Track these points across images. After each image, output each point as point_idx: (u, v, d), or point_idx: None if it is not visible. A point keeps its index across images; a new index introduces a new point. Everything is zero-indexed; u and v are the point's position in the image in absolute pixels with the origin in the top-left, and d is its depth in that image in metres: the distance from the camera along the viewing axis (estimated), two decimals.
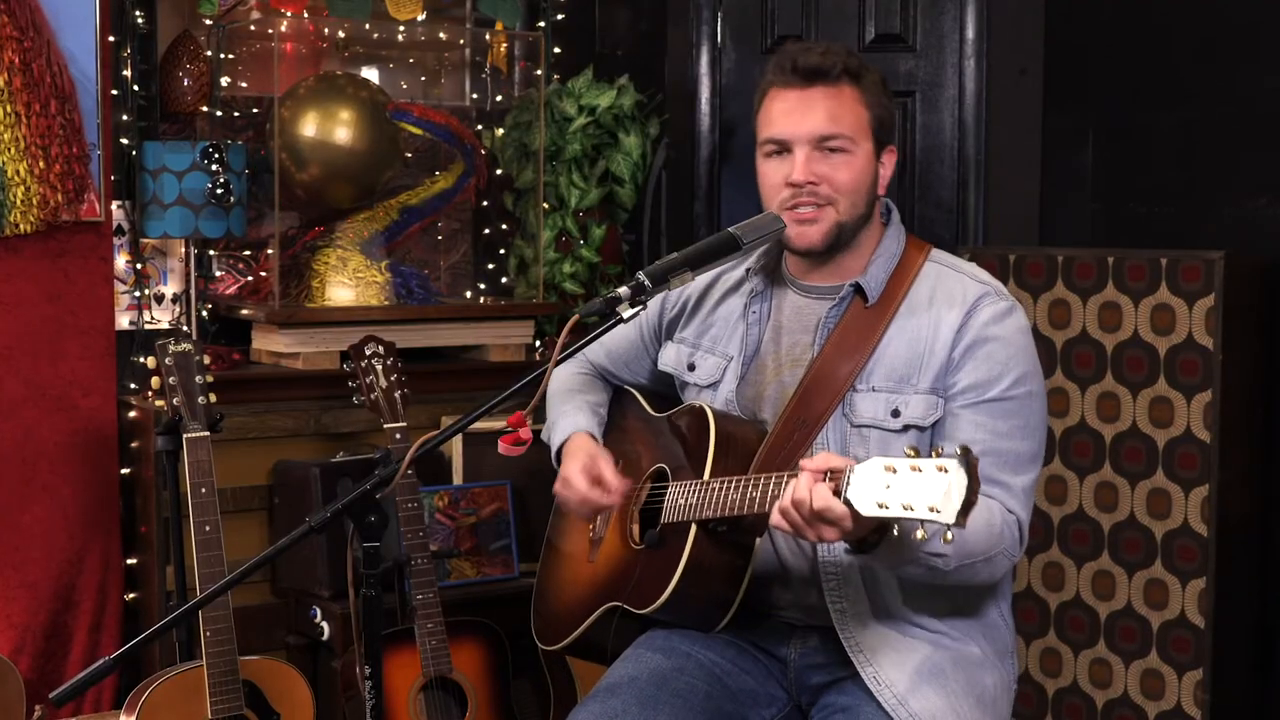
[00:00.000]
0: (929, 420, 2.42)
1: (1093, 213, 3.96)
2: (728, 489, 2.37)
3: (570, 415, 2.74)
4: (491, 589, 3.81)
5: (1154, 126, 3.83)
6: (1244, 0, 3.64)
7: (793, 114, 2.47)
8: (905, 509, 2.03)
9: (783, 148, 2.48)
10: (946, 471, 2.00)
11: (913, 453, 2.05)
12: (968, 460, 2.00)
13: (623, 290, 2.36)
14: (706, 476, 2.44)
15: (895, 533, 2.11)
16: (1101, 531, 3.56)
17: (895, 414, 2.43)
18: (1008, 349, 2.42)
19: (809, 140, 2.46)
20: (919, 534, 2.04)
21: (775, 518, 2.20)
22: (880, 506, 2.05)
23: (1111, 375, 3.53)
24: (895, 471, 2.05)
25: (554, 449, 2.74)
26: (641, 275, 2.37)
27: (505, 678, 3.54)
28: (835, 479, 2.12)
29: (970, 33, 4.10)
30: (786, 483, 2.21)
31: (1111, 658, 3.56)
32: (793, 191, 2.46)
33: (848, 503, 2.09)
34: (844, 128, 2.45)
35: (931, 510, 2.00)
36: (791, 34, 4.26)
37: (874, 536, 2.21)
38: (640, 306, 2.36)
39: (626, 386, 2.85)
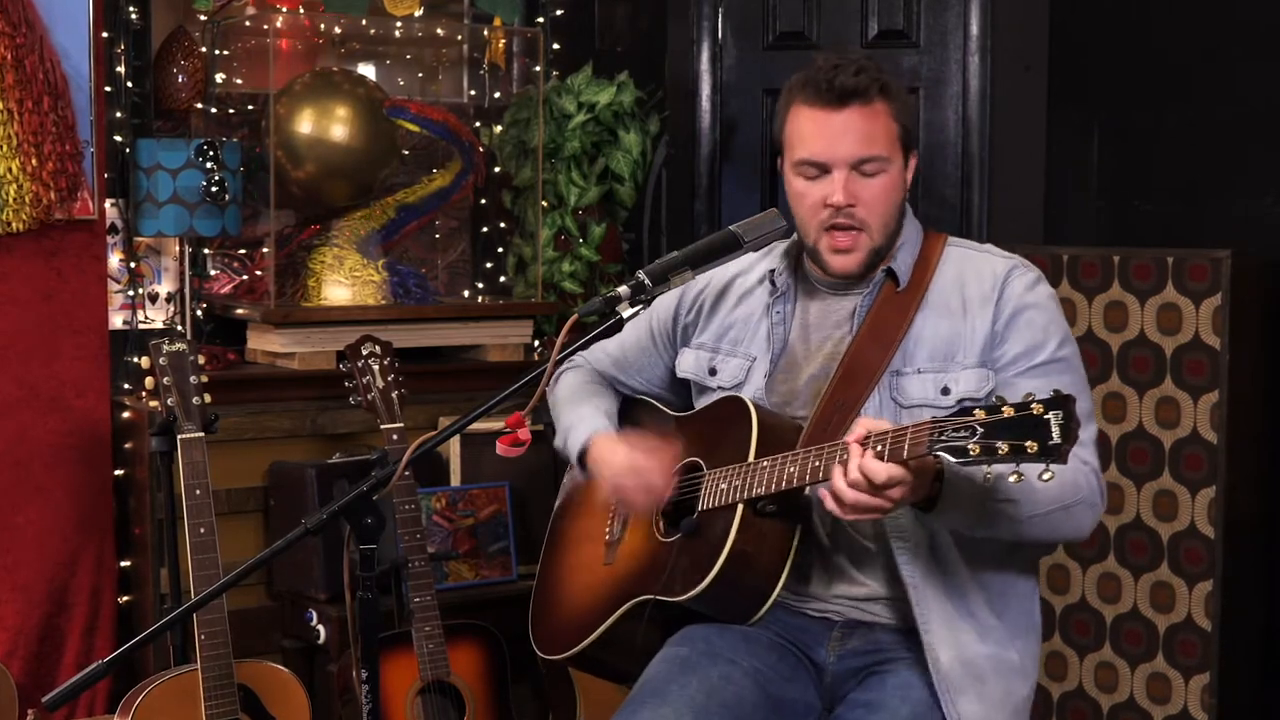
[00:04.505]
0: (983, 392, 2.44)
1: (1098, 211, 3.94)
2: (781, 465, 2.37)
3: (588, 420, 2.71)
4: (490, 591, 3.80)
5: (1160, 124, 3.81)
6: None
7: (831, 136, 2.47)
8: (1000, 452, 2.03)
9: (821, 170, 2.48)
10: (1043, 410, 2.02)
11: (1001, 399, 2.07)
12: (1064, 396, 2.02)
13: (622, 289, 2.36)
14: (751, 458, 2.43)
15: (987, 479, 2.09)
16: (1107, 533, 3.53)
17: (946, 391, 2.45)
18: (1045, 314, 2.48)
19: (847, 162, 2.47)
20: (1013, 478, 2.04)
21: (830, 504, 2.22)
22: (974, 451, 2.05)
23: (1117, 375, 3.51)
24: (986, 417, 2.06)
25: (575, 453, 2.70)
26: (641, 274, 2.37)
27: (504, 681, 3.52)
28: (896, 444, 2.15)
29: (974, 29, 4.08)
30: (844, 452, 2.22)
31: (1117, 661, 3.53)
32: (831, 212, 2.48)
33: (937, 457, 2.11)
34: (880, 148, 2.48)
35: (1030, 448, 2.01)
36: (793, 30, 4.24)
37: (935, 487, 2.24)
38: (640, 306, 2.35)
39: (639, 395, 2.82)
